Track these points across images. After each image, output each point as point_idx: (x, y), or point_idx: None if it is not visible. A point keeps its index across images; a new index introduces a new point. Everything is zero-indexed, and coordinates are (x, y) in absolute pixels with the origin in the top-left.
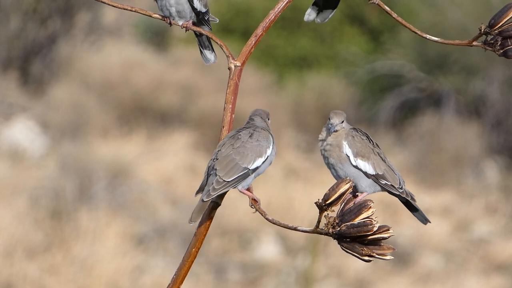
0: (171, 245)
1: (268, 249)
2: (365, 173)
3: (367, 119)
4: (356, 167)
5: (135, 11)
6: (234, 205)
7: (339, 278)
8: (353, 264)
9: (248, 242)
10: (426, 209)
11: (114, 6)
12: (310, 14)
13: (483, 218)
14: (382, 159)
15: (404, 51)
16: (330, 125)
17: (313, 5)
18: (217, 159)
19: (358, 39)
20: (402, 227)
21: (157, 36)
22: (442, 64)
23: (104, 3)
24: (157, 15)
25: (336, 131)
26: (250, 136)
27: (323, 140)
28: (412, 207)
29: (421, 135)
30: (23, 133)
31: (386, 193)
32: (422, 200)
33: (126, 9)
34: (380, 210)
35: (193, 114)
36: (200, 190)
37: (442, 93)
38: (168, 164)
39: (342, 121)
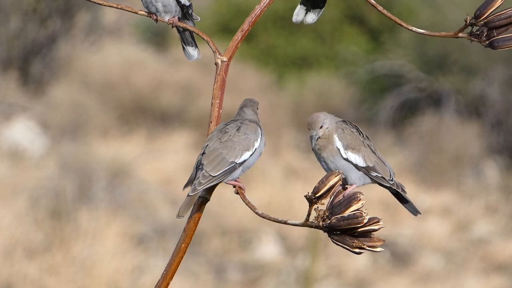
0: (171, 245)
1: (268, 249)
2: (356, 166)
3: (367, 119)
4: (346, 159)
5: (121, 8)
6: (234, 205)
7: (339, 278)
8: (353, 264)
9: (248, 242)
10: (426, 209)
11: (100, 4)
12: (298, 15)
13: (483, 218)
14: (373, 151)
15: (404, 51)
16: (310, 137)
17: (301, 4)
18: (205, 153)
19: (358, 39)
20: (402, 227)
21: (157, 36)
22: (442, 64)
23: (90, 1)
24: (142, 12)
25: (319, 137)
26: (237, 130)
27: (317, 144)
28: (402, 199)
29: (421, 135)
30: (23, 133)
31: (386, 193)
32: (422, 200)
33: (112, 7)
34: (380, 210)
35: (193, 114)
36: (188, 184)
37: (442, 93)
38: (168, 164)
39: (321, 126)
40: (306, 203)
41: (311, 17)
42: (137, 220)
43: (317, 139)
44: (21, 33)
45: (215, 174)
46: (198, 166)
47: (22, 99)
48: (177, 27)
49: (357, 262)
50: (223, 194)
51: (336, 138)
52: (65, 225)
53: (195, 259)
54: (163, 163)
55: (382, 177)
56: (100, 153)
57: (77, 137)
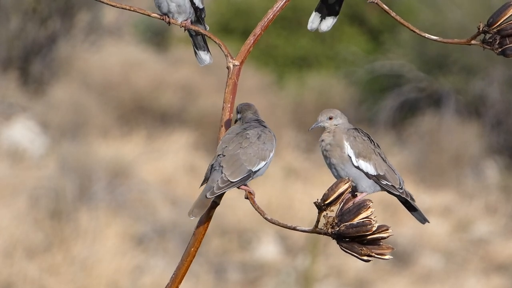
0: (171, 245)
1: (268, 249)
2: (367, 174)
3: (367, 119)
4: (357, 167)
5: (133, 11)
6: (234, 205)
7: (339, 278)
8: (353, 264)
9: (248, 242)
10: (426, 209)
11: (113, 6)
12: (313, 22)
13: (483, 218)
14: (383, 160)
15: (404, 51)
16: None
17: (316, 11)
18: (224, 155)
19: (358, 39)
20: (402, 227)
21: (157, 36)
22: (442, 64)
23: (103, 2)
24: (155, 14)
25: (324, 127)
26: (258, 138)
27: (323, 140)
28: (411, 207)
29: (421, 135)
30: (23, 133)
31: (386, 193)
32: (422, 200)
33: (125, 9)
34: (380, 210)
35: (193, 114)
36: (204, 182)
37: (442, 93)
38: (168, 164)
39: (330, 118)
40: (306, 203)
41: (326, 25)
42: (137, 220)
43: (323, 127)
44: (21, 33)
45: (234, 180)
46: (215, 167)
47: (22, 99)
48: (189, 31)
49: (357, 263)
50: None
51: (348, 145)
52: (65, 225)
53: (195, 259)
54: (163, 163)
55: (392, 185)
56: (100, 153)
57: (77, 137)
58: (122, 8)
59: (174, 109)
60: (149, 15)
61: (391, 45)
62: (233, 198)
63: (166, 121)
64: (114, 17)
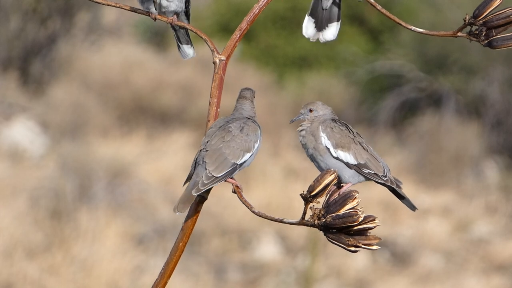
0: (171, 245)
1: (268, 249)
2: (347, 164)
3: (367, 119)
4: (337, 158)
5: (119, 7)
6: (234, 205)
7: (339, 278)
8: (353, 264)
9: (248, 242)
10: (426, 209)
11: (98, 3)
12: (307, 27)
13: (483, 218)
14: (364, 148)
15: (404, 51)
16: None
17: (309, 16)
18: (207, 150)
19: (358, 39)
20: (402, 227)
21: (157, 36)
22: (442, 64)
23: (92, 0)
24: (141, 11)
25: (306, 119)
26: (240, 130)
27: (299, 131)
28: (399, 195)
29: (421, 135)
30: (23, 133)
31: (386, 193)
32: (422, 200)
33: (110, 5)
34: (380, 210)
35: (193, 114)
36: (188, 179)
37: (442, 93)
38: (168, 164)
39: (311, 110)
40: None
41: (331, 33)
42: (137, 220)
43: (295, 120)
44: (21, 33)
45: (218, 175)
46: (199, 162)
47: (22, 99)
48: (172, 25)
49: (357, 262)
50: (223, 194)
51: (325, 137)
52: (65, 225)
53: (195, 259)
54: (163, 163)
55: (374, 173)
56: (100, 153)
57: (77, 137)
58: (108, 5)
59: (174, 109)
60: (135, 11)
61: (391, 45)
62: (232, 198)
63: (166, 121)
64: (114, 17)
